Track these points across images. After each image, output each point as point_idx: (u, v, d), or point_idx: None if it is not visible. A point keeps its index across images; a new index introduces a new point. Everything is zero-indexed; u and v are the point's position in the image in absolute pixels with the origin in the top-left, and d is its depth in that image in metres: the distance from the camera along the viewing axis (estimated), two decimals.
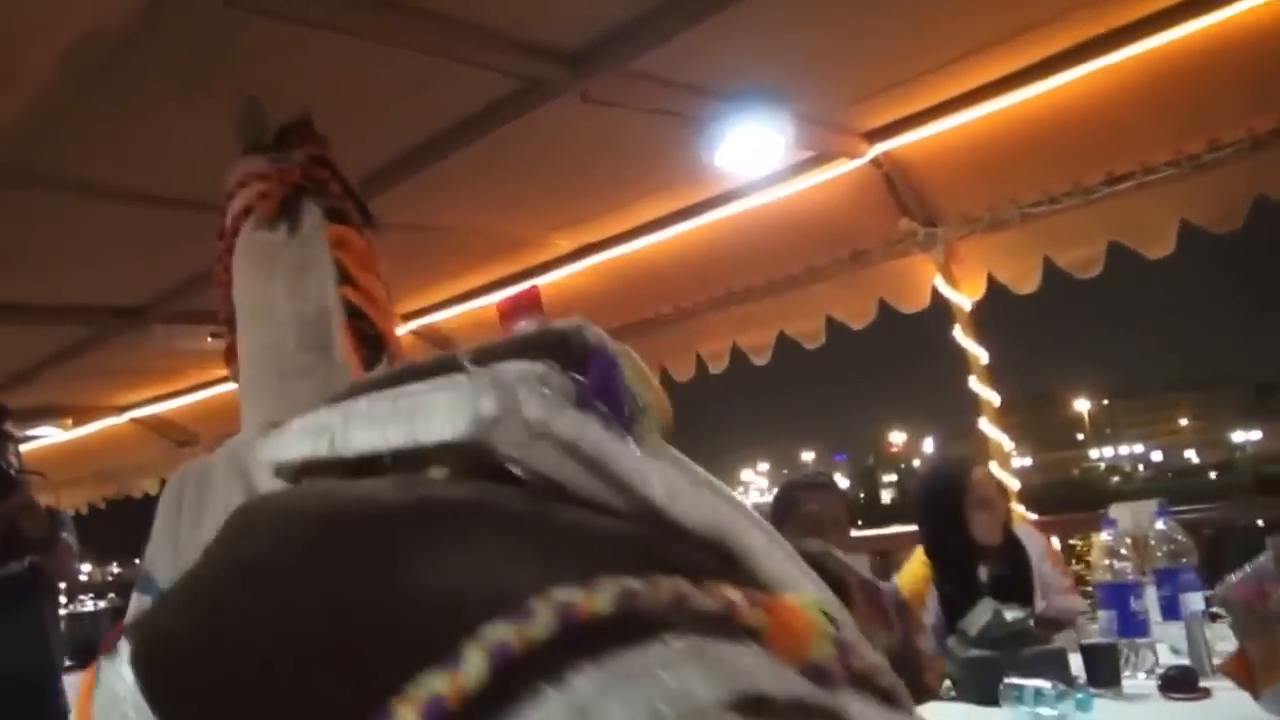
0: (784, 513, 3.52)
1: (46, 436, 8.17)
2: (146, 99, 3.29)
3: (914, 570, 3.60)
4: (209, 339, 6.20)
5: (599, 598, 0.56)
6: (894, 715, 0.66)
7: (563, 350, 0.69)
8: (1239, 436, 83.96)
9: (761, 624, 0.61)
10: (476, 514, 0.64)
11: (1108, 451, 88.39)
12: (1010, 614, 2.63)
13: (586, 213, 5.09)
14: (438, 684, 0.46)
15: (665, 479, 0.72)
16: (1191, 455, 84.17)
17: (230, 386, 7.36)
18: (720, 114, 3.82)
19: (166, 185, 4.05)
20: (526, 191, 4.62)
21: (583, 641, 0.53)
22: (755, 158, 4.13)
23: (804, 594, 0.70)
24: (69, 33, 2.70)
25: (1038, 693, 2.23)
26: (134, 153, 3.73)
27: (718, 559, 0.69)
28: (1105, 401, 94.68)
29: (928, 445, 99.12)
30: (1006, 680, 2.32)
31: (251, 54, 3.08)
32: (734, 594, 0.61)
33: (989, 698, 2.36)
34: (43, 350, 6.56)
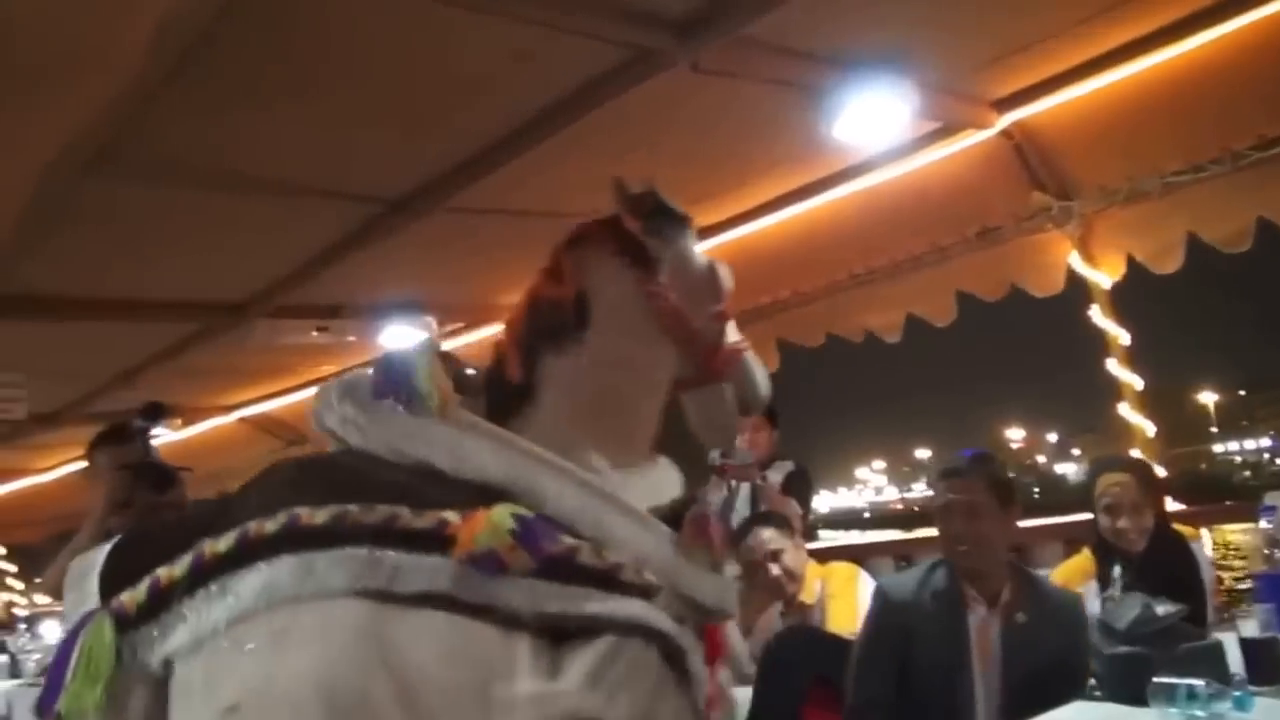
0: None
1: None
2: (244, 83, 3.34)
3: (1075, 562, 3.51)
4: (314, 333, 6.32)
5: (320, 514, 1.15)
6: (570, 589, 1.14)
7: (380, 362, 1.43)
8: None
9: (457, 533, 1.10)
10: (297, 466, 1.35)
11: (1235, 445, 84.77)
12: (1162, 608, 2.51)
13: (701, 193, 5.03)
14: (206, 547, 1.20)
15: (451, 444, 1.30)
16: None
17: None
18: (839, 83, 3.73)
19: (266, 172, 4.13)
20: (637, 171, 4.58)
21: (293, 539, 1.12)
22: (877, 130, 4.03)
23: (507, 506, 1.17)
24: (155, 12, 2.74)
25: (1190, 691, 2.12)
26: (233, 139, 3.80)
27: (490, 496, 1.20)
28: (1242, 393, 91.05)
29: (1051, 439, 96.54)
30: (1156, 679, 2.21)
31: (344, 29, 3.11)
32: (449, 515, 1.16)
33: (1137, 697, 2.25)
34: (145, 348, 6.69)
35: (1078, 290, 4.83)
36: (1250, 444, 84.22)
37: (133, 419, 3.77)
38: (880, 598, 2.85)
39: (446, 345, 7.18)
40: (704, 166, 4.69)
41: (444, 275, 5.99)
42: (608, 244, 2.18)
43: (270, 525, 1.18)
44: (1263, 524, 2.55)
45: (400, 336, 6.56)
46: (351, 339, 6.55)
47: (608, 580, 1.24)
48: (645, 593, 1.26)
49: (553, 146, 4.00)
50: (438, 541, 1.17)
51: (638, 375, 2.15)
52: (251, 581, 1.17)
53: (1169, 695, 2.16)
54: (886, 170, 4.81)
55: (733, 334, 2.27)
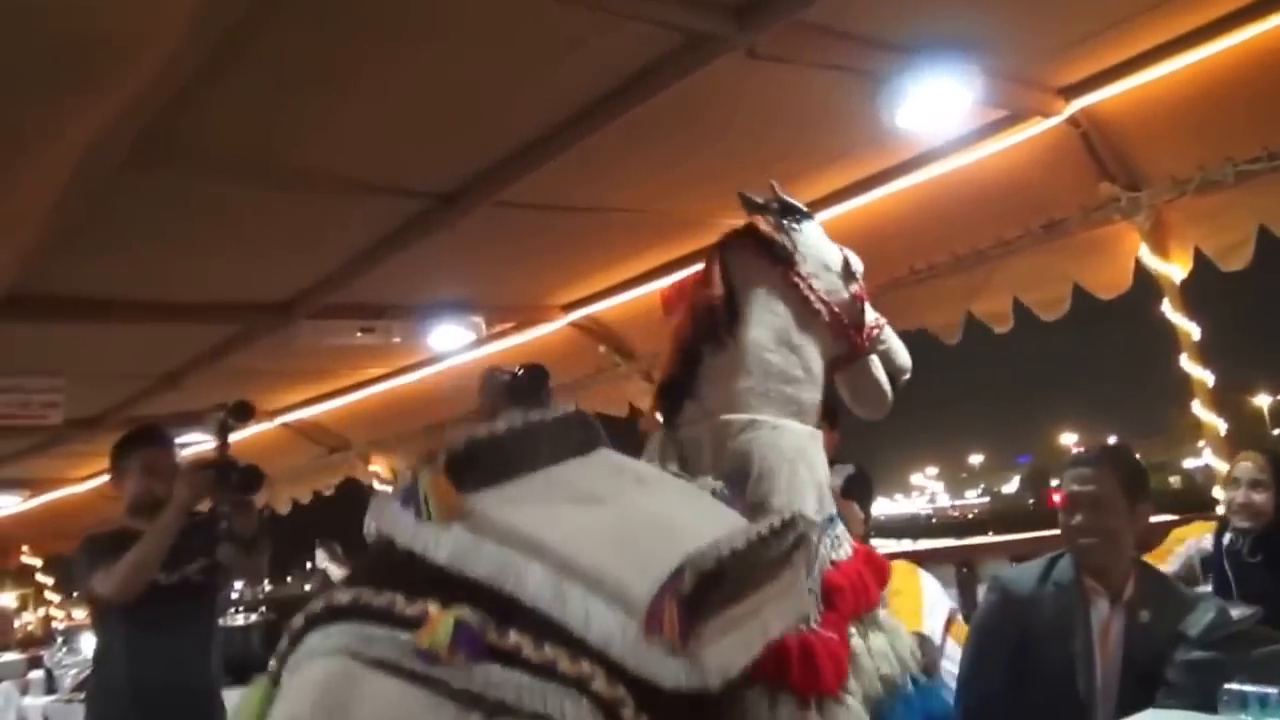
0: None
1: (199, 443, 8.28)
2: (287, 74, 3.34)
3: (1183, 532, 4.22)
4: (359, 334, 6.33)
5: (342, 595, 1.57)
6: (510, 673, 1.43)
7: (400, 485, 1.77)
8: None
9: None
10: (375, 553, 1.73)
11: None
12: (1237, 611, 2.46)
13: (758, 186, 5.00)
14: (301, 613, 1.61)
15: (453, 544, 1.60)
16: None
17: (383, 387, 7.56)
18: (902, 69, 3.69)
19: (310, 166, 4.12)
20: (691, 164, 4.57)
21: (327, 615, 1.56)
22: (941, 118, 3.98)
23: (455, 611, 1.47)
24: None
25: (1263, 700, 2.08)
26: (275, 132, 3.80)
27: (469, 590, 1.52)
28: None
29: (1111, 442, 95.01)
30: (1228, 686, 2.17)
31: (392, 18, 3.11)
32: (430, 607, 1.47)
33: (1210, 704, 2.21)
34: (186, 351, 6.69)
35: (1139, 288, 4.76)
36: None
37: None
38: (998, 591, 2.81)
39: (495, 346, 7.22)
40: (761, 159, 4.63)
41: (492, 274, 5.99)
42: (748, 247, 2.71)
43: (330, 601, 1.61)
44: None
45: (448, 337, 6.60)
46: (397, 340, 6.56)
47: (542, 669, 1.46)
48: (577, 680, 1.46)
49: (605, 138, 3.98)
50: (415, 624, 1.48)
51: (796, 356, 2.65)
52: (304, 643, 1.59)
53: (1241, 702, 2.12)
54: (949, 161, 4.76)
55: (870, 312, 2.83)
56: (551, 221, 5.04)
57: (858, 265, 2.84)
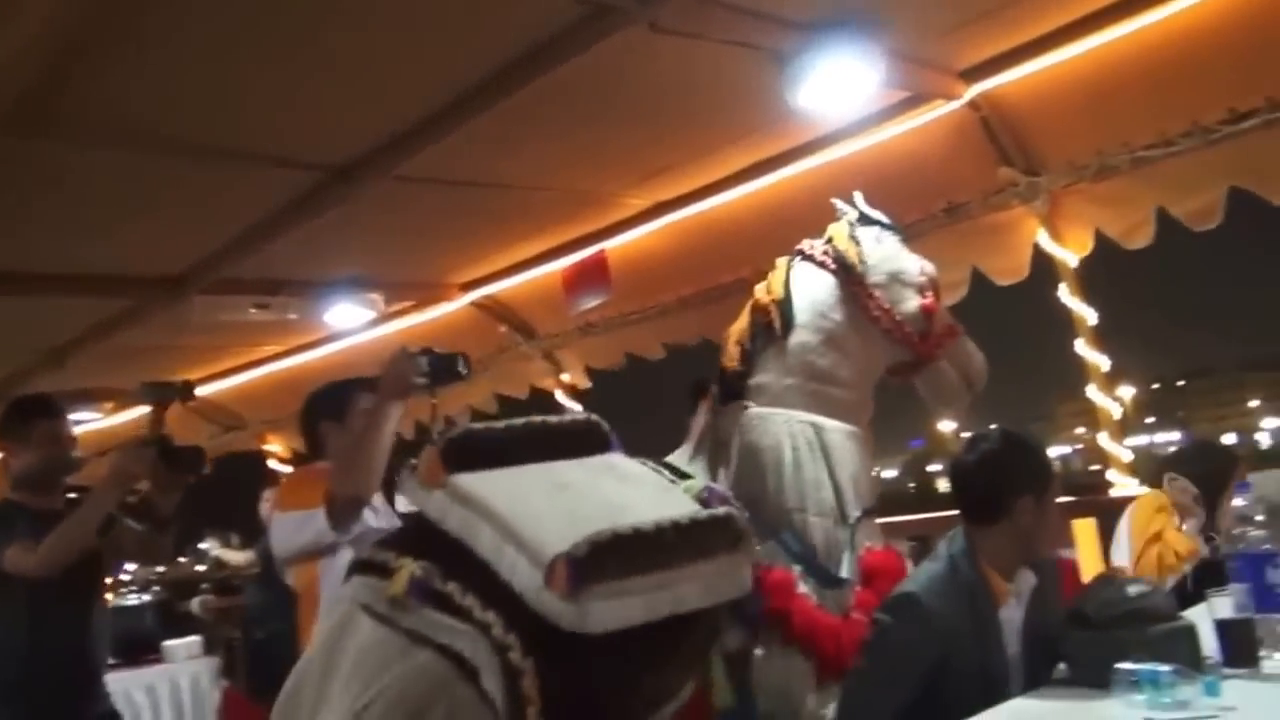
0: None
1: (85, 423, 7.97)
2: (179, 39, 3.22)
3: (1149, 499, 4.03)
4: (253, 310, 6.16)
5: (363, 552, 1.71)
6: (439, 616, 1.63)
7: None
8: None
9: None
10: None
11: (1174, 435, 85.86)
12: (1135, 588, 2.48)
13: (659, 165, 4.97)
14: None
15: (436, 506, 1.74)
16: (1263, 439, 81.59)
17: (279, 365, 7.34)
18: (804, 47, 3.68)
19: (203, 136, 3.98)
20: (592, 141, 4.52)
21: (353, 569, 1.62)
22: (843, 98, 3.98)
23: (414, 565, 1.66)
24: None
25: (1154, 677, 2.10)
26: (167, 100, 3.66)
27: (445, 543, 1.69)
28: (1181, 383, 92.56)
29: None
30: (1118, 665, 2.18)
31: None
32: (402, 561, 1.66)
33: (1105, 682, 2.22)
34: (73, 327, 6.45)
35: (1036, 273, 4.82)
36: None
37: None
38: (915, 612, 2.53)
39: (394, 325, 7.09)
40: (663, 138, 4.63)
41: (390, 250, 5.88)
42: (814, 257, 3.18)
43: (357, 557, 1.80)
44: (1237, 501, 2.52)
45: (346, 314, 6.46)
46: (293, 317, 6.41)
47: (461, 612, 1.72)
48: (482, 624, 1.71)
49: (505, 112, 3.90)
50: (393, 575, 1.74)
51: (849, 358, 3.05)
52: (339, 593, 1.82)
53: (1133, 680, 2.13)
54: (851, 143, 4.77)
55: (945, 319, 3.20)
56: (451, 197, 4.94)
57: (929, 275, 3.23)
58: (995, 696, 2.42)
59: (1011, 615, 2.58)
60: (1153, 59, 4.01)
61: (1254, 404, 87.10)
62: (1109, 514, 4.18)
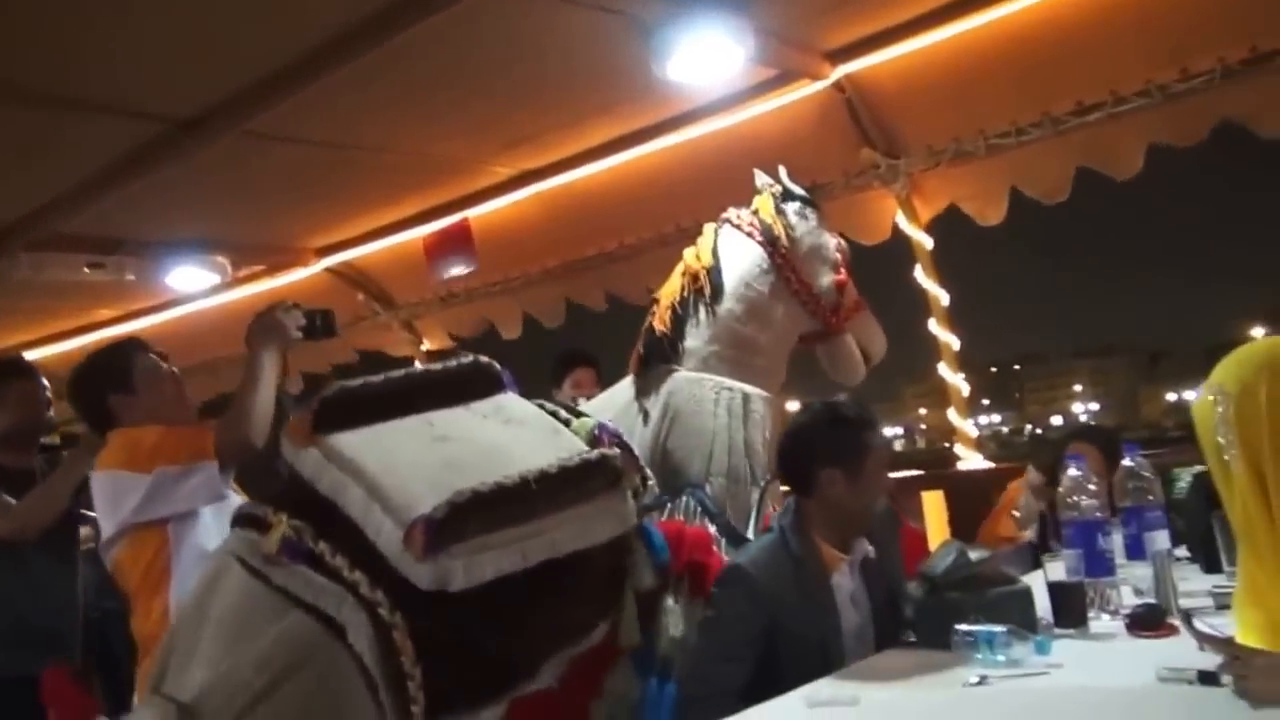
0: None
1: None
2: None
3: None
4: (86, 270, 5.89)
5: (244, 508, 2.10)
6: (310, 574, 1.91)
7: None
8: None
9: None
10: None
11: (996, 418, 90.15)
12: (975, 554, 2.60)
13: (524, 133, 4.96)
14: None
15: (312, 466, 2.05)
16: (1086, 419, 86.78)
17: (116, 330, 6.97)
18: (672, 18, 3.71)
19: (33, 80, 3.83)
20: (453, 105, 4.48)
21: (235, 521, 2.08)
22: (710, 72, 4.03)
23: (287, 525, 1.94)
24: None
25: (990, 637, 2.21)
26: None
27: (318, 502, 1.99)
28: (1017, 367, 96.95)
29: None
30: (957, 626, 2.29)
31: None
32: (283, 520, 1.95)
33: (947, 643, 2.33)
34: None
35: (894, 253, 4.98)
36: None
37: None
38: (741, 581, 2.59)
39: (244, 290, 6.89)
40: (528, 104, 4.62)
41: (240, 211, 5.72)
42: (741, 227, 3.32)
43: (238, 511, 2.14)
44: (1072, 472, 2.65)
45: (190, 278, 6.26)
46: (131, 278, 6.17)
47: (332, 573, 1.93)
48: (351, 584, 1.92)
49: (362, 69, 3.85)
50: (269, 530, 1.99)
51: (769, 327, 3.24)
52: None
53: (971, 641, 2.24)
54: (718, 119, 4.84)
55: (852, 294, 3.40)
56: (305, 157, 4.84)
57: (844, 252, 3.43)
58: (833, 662, 2.51)
59: (844, 583, 2.65)
60: (1007, 51, 4.19)
61: (1078, 388, 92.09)
62: (958, 487, 4.38)
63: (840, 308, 3.36)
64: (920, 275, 4.91)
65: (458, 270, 6.01)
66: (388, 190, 5.60)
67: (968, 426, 4.90)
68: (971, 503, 4.46)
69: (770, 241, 3.28)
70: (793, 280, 3.25)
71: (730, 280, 3.26)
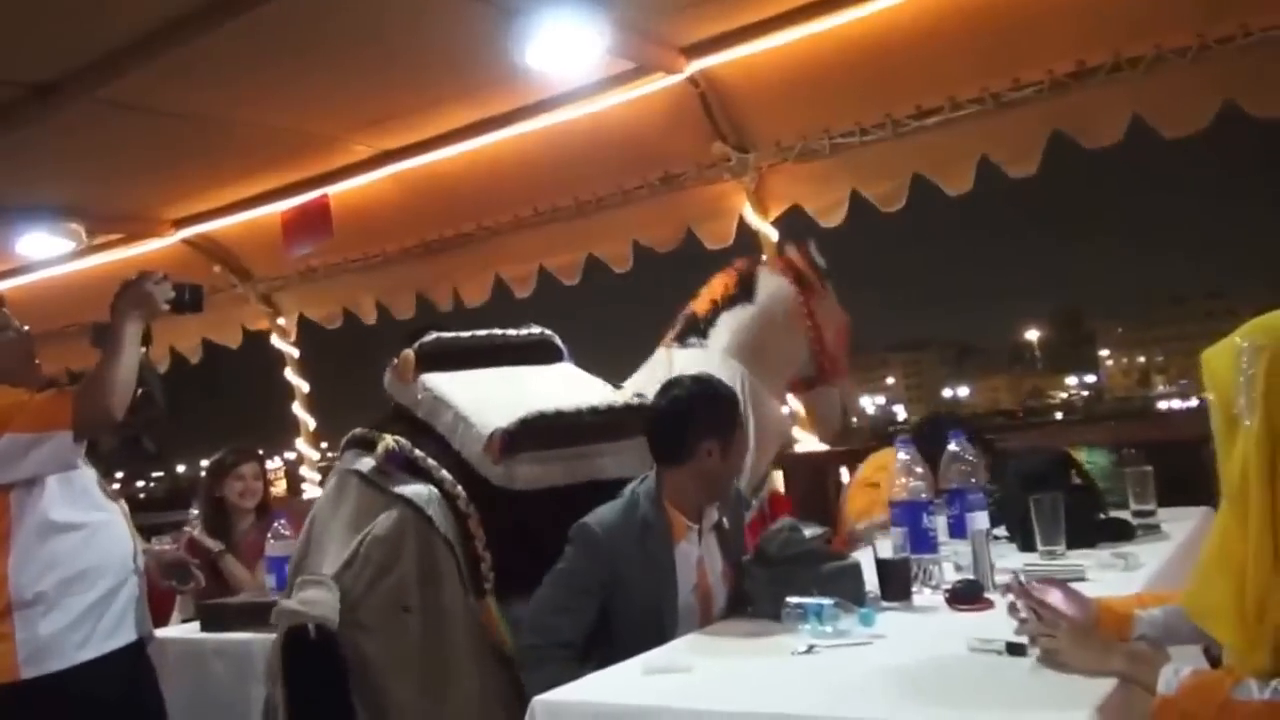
0: None
1: None
2: None
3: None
4: None
5: (357, 431, 2.90)
6: (407, 478, 2.68)
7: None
8: (947, 392, 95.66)
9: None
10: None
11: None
12: (809, 530, 2.63)
13: (384, 112, 4.84)
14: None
15: (411, 396, 2.89)
16: (900, 410, 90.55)
17: None
18: (533, 5, 3.67)
19: None
20: (313, 81, 4.35)
21: (347, 444, 2.90)
22: (569, 61, 4.01)
23: (390, 439, 2.72)
24: None
25: (818, 609, 2.25)
26: None
27: (418, 422, 2.82)
28: None
29: None
30: (788, 599, 2.32)
31: None
32: (386, 436, 2.74)
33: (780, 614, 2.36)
34: None
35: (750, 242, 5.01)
36: None
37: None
38: (585, 537, 2.61)
39: (99, 259, 6.57)
40: (389, 83, 4.51)
41: (95, 179, 5.45)
42: (777, 264, 3.85)
43: (350, 436, 2.88)
44: (900, 455, 2.71)
45: (41, 244, 5.95)
46: None
47: (425, 474, 2.65)
48: (439, 481, 2.63)
49: (221, 41, 3.72)
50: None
51: (779, 345, 3.67)
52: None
53: (800, 612, 2.27)
54: (576, 108, 4.80)
55: (845, 360, 3.88)
56: (163, 128, 4.64)
57: (846, 322, 3.91)
58: (666, 628, 2.53)
59: (689, 550, 2.68)
60: (854, 54, 4.26)
61: (891, 381, 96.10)
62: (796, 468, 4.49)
63: (837, 362, 3.83)
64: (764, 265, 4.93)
65: (313, 246, 5.84)
66: (247, 163, 5.40)
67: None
68: (809, 483, 4.60)
69: (801, 282, 3.74)
70: (809, 321, 3.72)
71: (762, 294, 3.70)
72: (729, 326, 3.65)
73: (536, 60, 3.89)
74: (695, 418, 2.68)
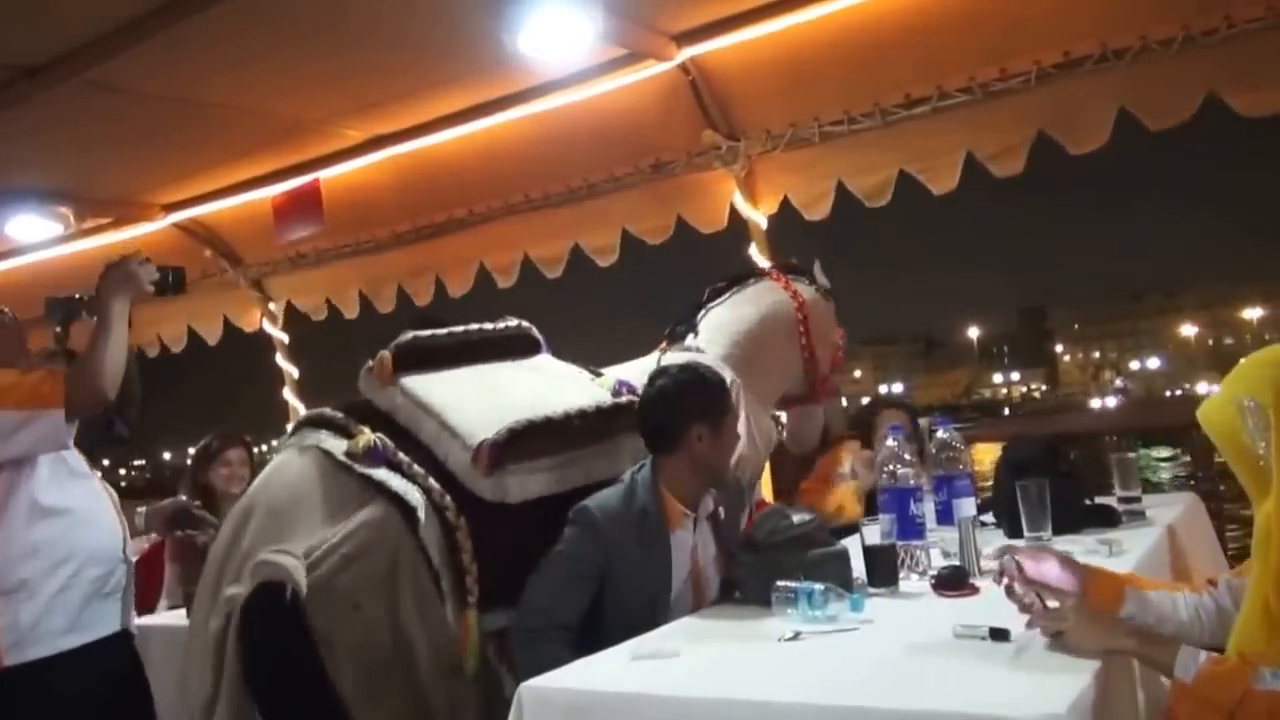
0: None
1: None
2: None
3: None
4: None
5: (318, 412, 2.77)
6: (393, 474, 2.54)
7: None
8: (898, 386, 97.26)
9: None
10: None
11: None
12: (798, 516, 2.63)
13: (376, 97, 4.81)
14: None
15: (388, 400, 2.78)
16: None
17: None
18: None
19: None
20: (305, 66, 4.32)
21: (305, 423, 2.77)
22: (560, 47, 3.99)
23: (371, 436, 2.59)
24: None
25: (809, 595, 2.25)
26: None
27: (395, 428, 2.69)
28: None
29: None
30: (778, 584, 2.32)
31: None
32: (363, 429, 2.62)
33: (770, 600, 2.36)
34: None
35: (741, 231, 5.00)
36: None
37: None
38: (585, 522, 2.62)
39: (88, 243, 6.52)
40: (382, 68, 4.48)
41: (85, 162, 5.40)
42: (780, 280, 3.71)
43: (308, 416, 2.76)
44: (889, 442, 2.71)
45: (29, 227, 5.91)
46: None
47: (411, 476, 2.51)
48: (427, 488, 2.50)
49: (212, 23, 3.68)
50: (352, 437, 2.57)
51: (773, 362, 3.56)
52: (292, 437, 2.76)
53: (790, 597, 2.27)
54: (568, 94, 4.78)
55: (834, 382, 3.86)
56: (153, 111, 4.60)
57: (843, 342, 3.92)
58: (659, 614, 2.54)
59: (685, 538, 2.69)
60: (844, 42, 4.25)
61: (858, 375, 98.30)
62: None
63: (828, 380, 3.81)
64: (755, 255, 4.94)
65: (303, 232, 5.82)
66: (238, 148, 5.36)
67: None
68: (784, 469, 4.60)
69: (795, 295, 3.68)
70: (804, 335, 3.65)
71: (765, 305, 3.61)
72: (726, 331, 3.51)
73: (529, 46, 3.88)
74: (683, 403, 2.71)
